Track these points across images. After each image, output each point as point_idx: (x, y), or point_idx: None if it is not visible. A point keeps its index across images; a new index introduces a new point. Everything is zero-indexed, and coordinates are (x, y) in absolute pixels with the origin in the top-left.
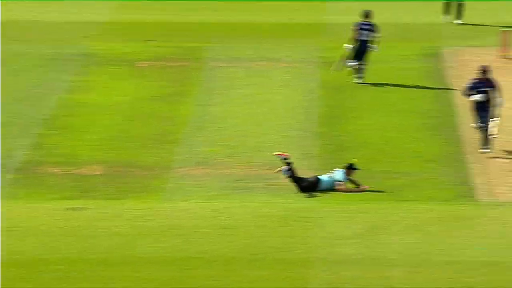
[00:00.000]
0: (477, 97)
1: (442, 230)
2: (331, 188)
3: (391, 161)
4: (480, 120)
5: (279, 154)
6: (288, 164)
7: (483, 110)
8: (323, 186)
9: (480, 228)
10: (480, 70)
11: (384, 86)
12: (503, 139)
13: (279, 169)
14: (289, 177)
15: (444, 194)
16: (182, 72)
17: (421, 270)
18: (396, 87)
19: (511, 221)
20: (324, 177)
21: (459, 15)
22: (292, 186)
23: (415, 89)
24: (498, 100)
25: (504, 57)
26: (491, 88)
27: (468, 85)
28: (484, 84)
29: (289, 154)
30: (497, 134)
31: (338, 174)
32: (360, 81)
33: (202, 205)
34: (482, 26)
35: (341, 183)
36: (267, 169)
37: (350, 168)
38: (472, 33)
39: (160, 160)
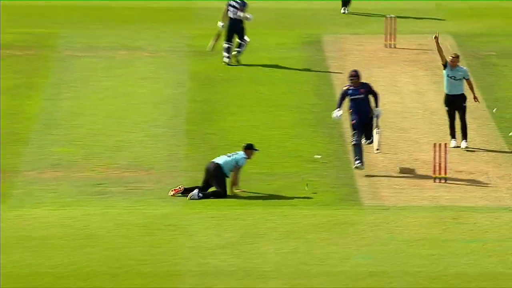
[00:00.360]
0: (337, 114)
1: (322, 238)
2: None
3: (267, 161)
4: (356, 136)
5: (174, 193)
6: (197, 188)
7: (359, 124)
8: (226, 169)
9: (365, 235)
10: (352, 76)
11: (260, 78)
12: (388, 137)
13: (191, 196)
14: (204, 197)
15: (325, 198)
16: (30, 62)
17: (299, 282)
18: (273, 79)
19: (397, 227)
20: (224, 159)
21: (346, 3)
22: (158, 191)
23: (293, 81)
24: (376, 111)
25: (389, 46)
26: (363, 96)
27: (341, 92)
28: (358, 91)
29: (182, 187)
30: (379, 150)
31: (239, 155)
32: (227, 61)
33: (56, 212)
34: (366, 13)
35: (238, 167)
36: (129, 171)
37: (249, 148)
38: (354, 20)
39: (6, 162)
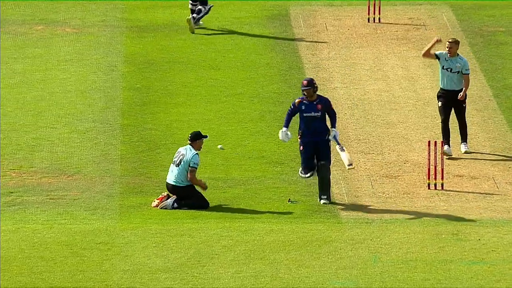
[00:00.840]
0: (284, 136)
1: (291, 258)
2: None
3: (222, 163)
4: (305, 170)
5: (159, 203)
6: (174, 201)
7: (310, 152)
8: (186, 182)
9: (343, 255)
10: (305, 86)
11: (214, 61)
12: (371, 133)
13: (163, 205)
14: (178, 207)
15: (294, 209)
16: None
17: None
18: (229, 63)
19: (383, 245)
20: (175, 174)
21: None
22: (86, 201)
23: (254, 64)
24: (332, 131)
25: (373, 20)
26: (319, 114)
27: (291, 107)
28: (314, 107)
29: (166, 193)
30: (352, 165)
31: (188, 155)
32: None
33: None
34: None
35: (194, 168)
36: (49, 176)
37: (195, 139)
38: None
39: None
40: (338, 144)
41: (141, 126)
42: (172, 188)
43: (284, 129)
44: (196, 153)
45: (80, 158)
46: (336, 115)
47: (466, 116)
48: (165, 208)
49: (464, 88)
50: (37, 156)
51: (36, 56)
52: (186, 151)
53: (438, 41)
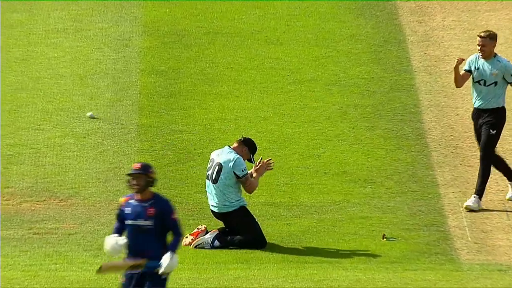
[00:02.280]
0: (113, 244)
1: None
2: None
3: (288, 183)
4: None
5: (195, 238)
6: (218, 231)
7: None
8: (235, 203)
9: None
10: (135, 171)
11: (275, 32)
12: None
13: (198, 242)
14: (223, 246)
15: (390, 249)
16: None
17: None
18: (296, 34)
19: None
20: (219, 191)
21: None
22: (85, 236)
23: (333, 37)
24: (165, 259)
25: None
26: (151, 223)
27: (117, 212)
28: (142, 211)
29: (203, 227)
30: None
31: (228, 159)
32: None
33: None
34: None
35: (245, 176)
36: (34, 200)
37: (249, 145)
38: None
39: None
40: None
41: (167, 127)
42: (219, 215)
43: (113, 235)
44: (238, 156)
45: (77, 174)
46: (181, 237)
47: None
48: (202, 248)
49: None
50: (15, 171)
51: (15, 25)
52: (222, 156)
53: (460, 61)
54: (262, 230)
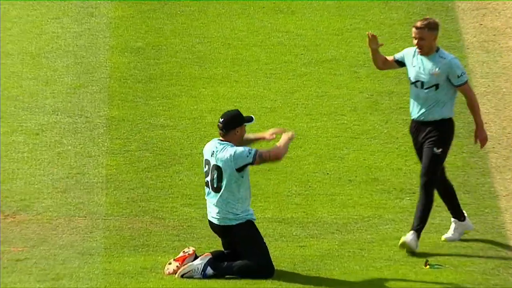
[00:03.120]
0: None
1: None
2: None
3: (303, 192)
4: None
5: (180, 266)
6: (211, 256)
7: None
8: (241, 214)
9: None
10: None
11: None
12: None
13: (185, 271)
14: (218, 275)
15: (435, 277)
16: None
17: None
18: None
19: None
20: (220, 197)
21: None
22: (38, 263)
23: (359, 4)
24: None
25: None
26: None
27: None
28: None
29: (192, 249)
30: None
31: (222, 153)
32: None
33: None
34: None
35: (252, 159)
36: None
37: (233, 125)
38: None
39: None
40: None
41: (144, 121)
42: (219, 229)
43: None
44: (235, 148)
45: (28, 182)
46: None
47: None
48: (191, 277)
49: (475, 114)
50: None
51: None
52: (218, 155)
53: (371, 36)
54: (269, 254)
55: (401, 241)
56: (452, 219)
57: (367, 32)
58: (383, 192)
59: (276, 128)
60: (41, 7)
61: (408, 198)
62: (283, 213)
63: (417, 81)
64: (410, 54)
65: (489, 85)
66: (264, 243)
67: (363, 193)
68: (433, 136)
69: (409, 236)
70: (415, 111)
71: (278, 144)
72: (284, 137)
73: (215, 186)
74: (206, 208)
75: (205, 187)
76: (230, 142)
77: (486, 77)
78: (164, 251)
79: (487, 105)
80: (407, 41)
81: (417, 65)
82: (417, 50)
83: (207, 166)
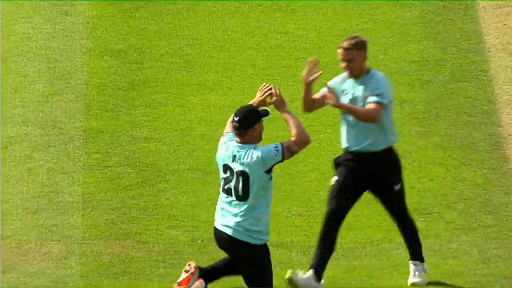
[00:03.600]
0: None
1: None
2: None
3: (304, 206)
4: None
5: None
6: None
7: None
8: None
9: None
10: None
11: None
12: None
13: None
14: None
15: None
16: None
17: None
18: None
19: None
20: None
21: None
22: None
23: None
24: None
25: None
26: None
27: None
28: None
29: (194, 266)
30: None
31: (246, 155)
32: None
33: None
34: None
35: (280, 155)
36: None
37: (251, 122)
38: None
39: None
40: None
41: (126, 133)
42: (228, 242)
43: None
44: (258, 148)
45: None
46: None
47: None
48: None
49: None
50: None
51: None
52: (244, 160)
53: (313, 65)
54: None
55: (409, 283)
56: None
57: (308, 60)
58: None
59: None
60: (10, 4)
61: (422, 220)
62: (282, 236)
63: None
64: (338, 81)
65: None
66: (272, 273)
67: (371, 214)
68: (384, 173)
69: (415, 275)
70: (352, 141)
71: (291, 128)
72: (285, 116)
73: (240, 194)
74: (216, 214)
75: (223, 193)
76: (250, 142)
77: (510, 83)
78: (148, 279)
79: (511, 115)
80: (421, 43)
81: (348, 90)
82: (347, 73)
83: (228, 172)
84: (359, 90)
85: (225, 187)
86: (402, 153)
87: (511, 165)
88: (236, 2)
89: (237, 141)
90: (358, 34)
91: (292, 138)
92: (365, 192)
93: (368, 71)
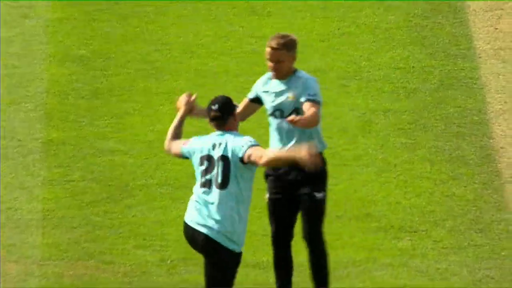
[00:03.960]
0: None
1: None
2: None
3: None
4: None
5: None
6: None
7: None
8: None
9: None
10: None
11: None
12: None
13: None
14: None
15: None
16: None
17: None
18: None
19: None
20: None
21: None
22: None
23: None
24: None
25: None
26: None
27: None
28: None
29: None
30: None
31: (224, 142)
32: None
33: None
34: None
35: (253, 145)
36: None
37: (230, 109)
38: None
39: None
40: None
41: (90, 145)
42: (204, 243)
43: None
44: (239, 135)
45: None
46: None
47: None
48: None
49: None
50: None
51: None
52: (226, 143)
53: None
54: None
55: None
56: None
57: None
58: (378, 230)
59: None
60: None
61: (408, 238)
62: (258, 256)
63: (276, 110)
64: (261, 83)
65: (506, 102)
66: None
67: (354, 231)
68: (307, 179)
69: None
70: (280, 146)
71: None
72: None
73: (220, 181)
74: (190, 210)
75: (201, 188)
76: (231, 129)
77: (502, 91)
78: None
79: (503, 126)
80: (407, 49)
81: (271, 91)
82: (272, 74)
83: (206, 163)
84: (283, 90)
85: (203, 179)
86: (387, 166)
87: (503, 179)
88: (208, 4)
89: (216, 132)
90: (288, 33)
91: (266, 154)
92: (348, 209)
93: (294, 71)
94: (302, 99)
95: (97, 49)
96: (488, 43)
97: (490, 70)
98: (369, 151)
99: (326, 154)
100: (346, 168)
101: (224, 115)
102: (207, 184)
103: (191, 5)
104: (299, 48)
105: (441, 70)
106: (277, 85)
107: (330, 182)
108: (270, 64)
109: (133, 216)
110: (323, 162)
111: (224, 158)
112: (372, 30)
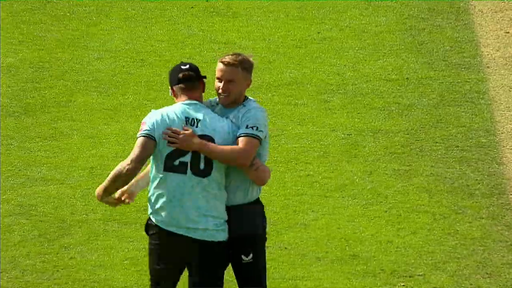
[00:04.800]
0: None
1: None
2: None
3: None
4: None
5: None
6: None
7: None
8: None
9: None
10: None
11: None
12: None
13: None
14: None
15: None
16: None
17: None
18: None
19: None
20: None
21: None
22: None
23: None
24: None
25: None
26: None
27: None
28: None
29: None
30: None
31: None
32: None
33: None
34: None
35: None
36: None
37: (199, 76)
38: None
39: None
40: None
41: (19, 172)
42: (185, 244)
43: None
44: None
45: None
46: None
47: None
48: None
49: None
50: None
51: None
52: (202, 118)
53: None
54: None
55: None
56: None
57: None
58: (366, 275)
59: None
60: None
61: (402, 284)
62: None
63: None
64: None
65: None
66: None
67: (337, 276)
68: (235, 236)
69: None
70: None
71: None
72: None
73: (202, 167)
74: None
75: (169, 172)
76: (198, 100)
77: None
78: None
79: None
80: (400, 57)
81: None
82: (219, 97)
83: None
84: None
85: (176, 162)
86: (376, 198)
87: None
88: (161, 3)
89: (185, 102)
90: (243, 53)
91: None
92: (330, 249)
93: (245, 98)
94: (241, 132)
95: (28, 57)
96: (498, 50)
97: (500, 82)
98: (355, 180)
99: (306, 183)
100: (328, 200)
101: (196, 76)
102: (180, 169)
103: (140, 4)
104: (271, 55)
105: (441, 82)
106: (220, 113)
107: (309, 217)
108: (218, 84)
109: (70, 258)
110: (259, 210)
111: (206, 138)
112: (359, 35)
